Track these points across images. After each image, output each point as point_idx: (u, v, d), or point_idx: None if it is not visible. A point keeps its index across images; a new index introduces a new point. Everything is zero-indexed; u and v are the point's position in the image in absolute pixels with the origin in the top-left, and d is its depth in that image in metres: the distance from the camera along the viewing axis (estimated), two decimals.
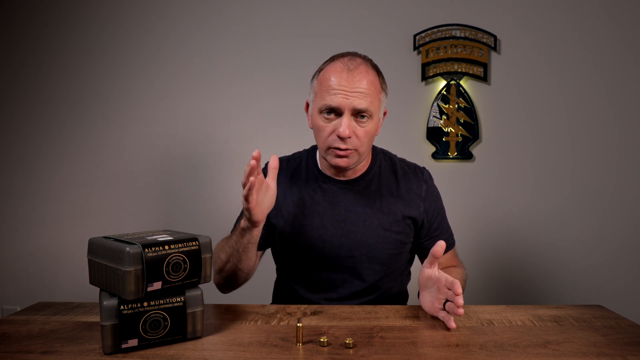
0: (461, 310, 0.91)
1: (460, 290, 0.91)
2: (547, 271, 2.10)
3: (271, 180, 1.02)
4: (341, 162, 1.12)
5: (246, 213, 0.99)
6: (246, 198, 0.95)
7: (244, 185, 0.94)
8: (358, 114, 1.09)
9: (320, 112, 1.11)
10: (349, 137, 1.08)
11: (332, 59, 1.14)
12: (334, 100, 1.08)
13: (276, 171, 1.02)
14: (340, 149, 1.10)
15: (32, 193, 2.25)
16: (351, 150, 1.10)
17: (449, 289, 0.93)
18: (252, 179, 0.93)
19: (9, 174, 2.26)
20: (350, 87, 1.07)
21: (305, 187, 1.21)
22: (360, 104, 1.07)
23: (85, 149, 2.24)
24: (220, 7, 2.18)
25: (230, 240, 1.11)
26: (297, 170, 1.25)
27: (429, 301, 0.99)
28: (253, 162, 0.92)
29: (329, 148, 1.12)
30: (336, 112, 1.09)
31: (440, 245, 0.96)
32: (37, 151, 2.25)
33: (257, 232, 1.05)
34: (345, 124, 1.07)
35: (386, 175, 1.23)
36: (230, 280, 1.16)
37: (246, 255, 1.09)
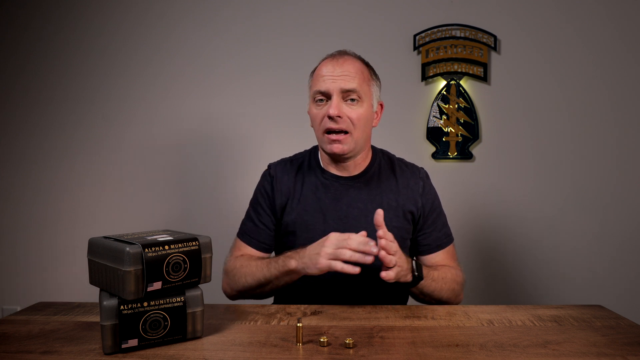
0: (383, 253, 1.00)
1: (381, 232, 1.00)
2: (547, 271, 2.10)
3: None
4: (335, 147, 1.17)
5: (315, 271, 1.04)
6: (334, 268, 1.01)
7: (334, 256, 1.01)
8: (348, 96, 1.16)
9: (314, 100, 1.19)
10: (339, 117, 1.14)
11: (324, 58, 1.23)
12: (322, 85, 1.16)
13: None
14: (333, 131, 1.16)
15: (32, 193, 2.25)
16: (344, 133, 1.16)
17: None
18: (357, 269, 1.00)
19: (9, 174, 2.26)
20: (337, 71, 1.16)
21: (308, 184, 1.25)
22: (347, 84, 1.15)
23: (85, 149, 2.24)
24: (220, 7, 2.18)
25: (264, 271, 1.14)
26: (300, 168, 1.29)
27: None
28: (370, 259, 1.00)
29: (323, 134, 1.18)
30: (326, 96, 1.17)
31: (379, 213, 1.03)
32: (37, 151, 2.25)
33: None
34: (334, 104, 1.14)
35: (386, 173, 1.27)
36: (247, 297, 1.22)
37: (284, 286, 1.16)
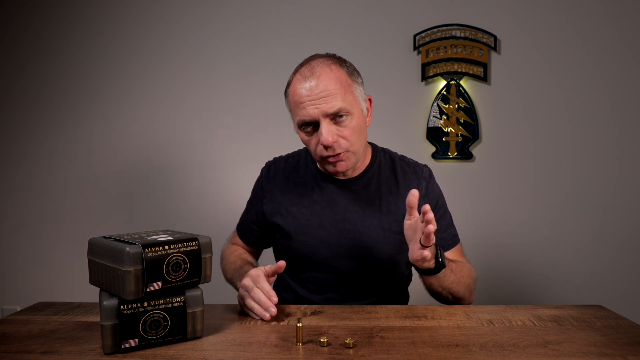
0: (432, 227, 0.90)
1: (427, 206, 0.91)
2: (547, 271, 2.10)
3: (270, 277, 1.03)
4: (339, 167, 1.11)
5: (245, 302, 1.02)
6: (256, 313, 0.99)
7: (246, 302, 0.99)
8: (335, 116, 1.06)
9: (300, 128, 1.10)
10: (335, 142, 1.07)
11: (294, 71, 1.12)
12: (305, 114, 1.06)
13: (278, 272, 1.03)
14: (331, 156, 1.09)
15: (32, 193, 2.25)
16: (343, 153, 1.09)
17: (423, 221, 0.93)
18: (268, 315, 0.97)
19: (9, 173, 2.26)
20: (315, 94, 1.05)
21: (304, 186, 1.21)
22: (331, 107, 1.05)
23: (86, 149, 2.24)
24: (220, 7, 2.19)
25: (232, 274, 1.20)
26: (296, 168, 1.24)
27: (412, 249, 0.98)
28: (267, 316, 0.96)
29: (321, 159, 1.11)
30: (312, 123, 1.08)
31: (413, 194, 0.96)
32: (38, 151, 2.25)
33: None
34: (325, 132, 1.05)
35: (386, 175, 1.21)
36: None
37: None
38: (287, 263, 1.22)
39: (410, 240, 1.00)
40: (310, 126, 1.08)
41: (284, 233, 1.20)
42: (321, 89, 1.05)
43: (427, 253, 0.95)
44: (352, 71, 1.11)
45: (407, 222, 1.00)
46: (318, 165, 1.20)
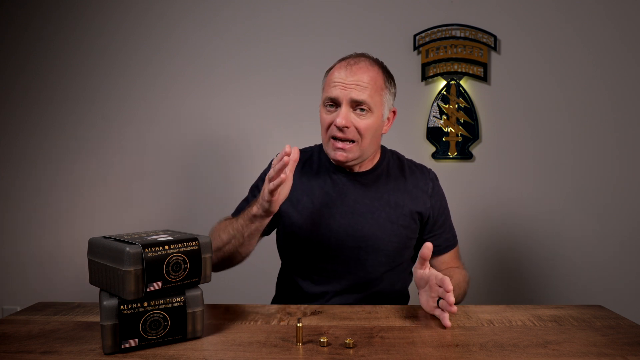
0: (454, 308, 0.91)
1: (450, 287, 0.92)
2: (547, 271, 2.10)
3: (290, 172, 1.01)
4: (339, 155, 1.15)
5: (265, 204, 1.02)
6: (271, 192, 0.98)
7: (270, 179, 0.98)
8: (357, 106, 1.13)
9: (324, 105, 1.17)
10: (347, 127, 1.12)
11: (342, 59, 1.20)
12: (333, 92, 1.14)
13: (296, 163, 1.02)
14: (338, 139, 1.14)
15: (33, 193, 2.25)
16: (349, 142, 1.14)
17: (440, 287, 0.95)
18: (283, 175, 0.95)
19: (9, 173, 2.26)
20: (349, 79, 1.13)
21: (316, 177, 1.25)
22: (358, 95, 1.12)
23: (86, 149, 2.24)
24: (220, 7, 2.18)
25: (235, 223, 1.13)
26: (309, 161, 1.29)
27: (425, 299, 1.02)
28: (287, 158, 0.95)
29: (329, 139, 1.16)
30: (336, 103, 1.14)
31: (427, 247, 0.99)
32: (37, 151, 2.25)
33: (267, 221, 1.09)
34: (342, 113, 1.12)
35: (394, 172, 1.26)
36: (225, 261, 1.18)
37: (250, 240, 1.13)
38: (293, 254, 1.25)
39: (420, 287, 1.04)
40: (333, 106, 1.15)
41: (294, 223, 1.22)
42: (357, 78, 1.13)
43: (447, 322, 0.94)
44: (389, 79, 1.20)
45: (419, 271, 1.02)
46: (324, 148, 1.23)
